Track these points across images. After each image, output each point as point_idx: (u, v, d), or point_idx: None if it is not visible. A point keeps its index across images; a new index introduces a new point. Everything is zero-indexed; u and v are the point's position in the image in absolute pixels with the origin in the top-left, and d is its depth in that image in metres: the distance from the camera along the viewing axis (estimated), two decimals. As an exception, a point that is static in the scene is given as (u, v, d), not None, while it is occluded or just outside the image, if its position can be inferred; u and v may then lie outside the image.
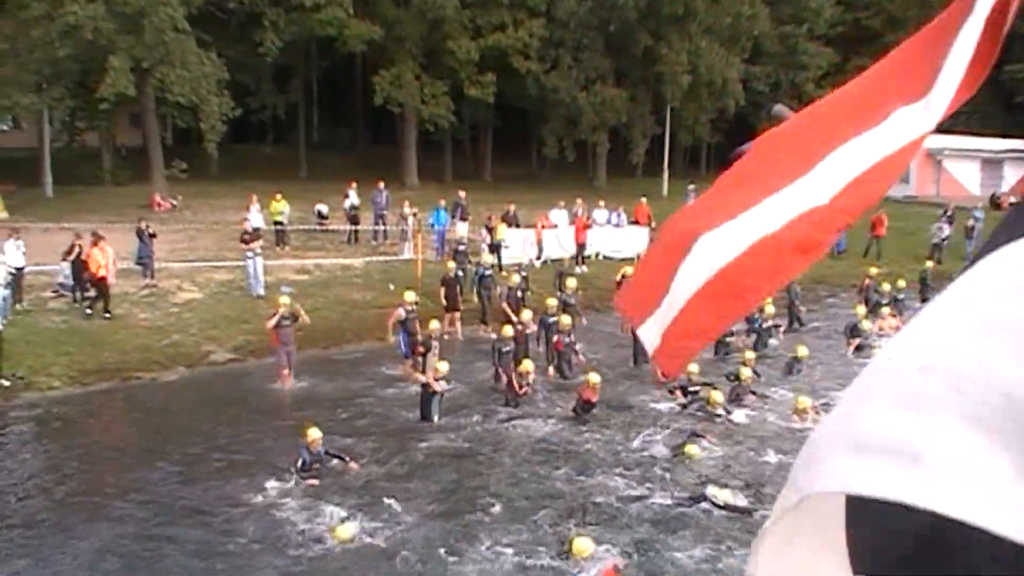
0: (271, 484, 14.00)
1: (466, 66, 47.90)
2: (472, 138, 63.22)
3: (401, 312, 20.40)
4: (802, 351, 21.29)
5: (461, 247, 28.09)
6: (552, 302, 22.19)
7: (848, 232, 36.31)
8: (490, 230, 30.42)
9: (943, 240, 35.76)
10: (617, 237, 34.03)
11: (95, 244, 23.21)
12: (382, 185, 34.52)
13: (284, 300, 19.63)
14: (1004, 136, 55.95)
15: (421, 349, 19.54)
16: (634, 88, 53.82)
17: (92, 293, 23.34)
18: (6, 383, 19.04)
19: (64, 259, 24.05)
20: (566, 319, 20.92)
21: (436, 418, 17.12)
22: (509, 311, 22.64)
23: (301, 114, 56.14)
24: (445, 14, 45.36)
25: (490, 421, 17.57)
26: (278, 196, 32.15)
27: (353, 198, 33.96)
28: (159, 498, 13.68)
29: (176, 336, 22.47)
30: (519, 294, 23.47)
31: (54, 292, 24.14)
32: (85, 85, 36.45)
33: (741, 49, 56.62)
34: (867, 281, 28.51)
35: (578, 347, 21.11)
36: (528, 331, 20.68)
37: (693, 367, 18.66)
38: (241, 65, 44.51)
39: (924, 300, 25.47)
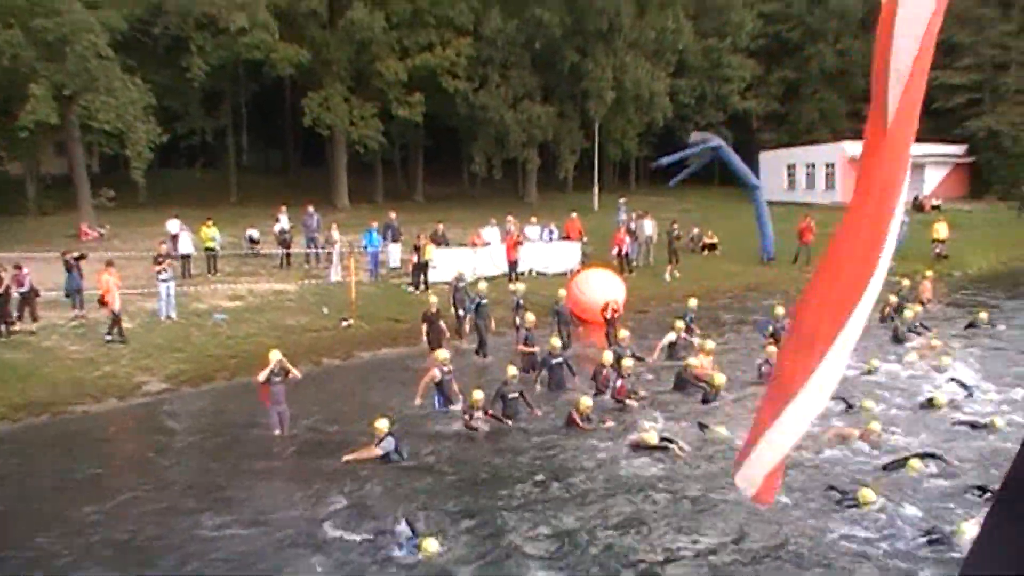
0: (212, 517, 13.75)
1: (394, 87, 47.95)
2: (403, 158, 63.36)
3: (436, 373, 18.96)
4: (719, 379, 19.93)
5: (461, 284, 26.56)
6: (556, 342, 21.36)
7: (777, 239, 37.19)
8: (417, 249, 30.46)
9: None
10: (549, 253, 34.25)
11: (105, 270, 23.69)
12: (311, 208, 34.48)
13: (275, 355, 18.09)
14: (924, 141, 57.23)
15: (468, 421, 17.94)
16: (561, 104, 54.36)
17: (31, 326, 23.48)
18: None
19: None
20: (628, 362, 19.93)
21: (404, 457, 16.13)
22: (527, 349, 22.41)
23: (230, 138, 55.96)
24: (372, 36, 45.48)
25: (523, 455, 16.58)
26: (209, 222, 31.99)
27: (284, 222, 33.93)
28: (101, 534, 13.44)
29: (107, 367, 22.19)
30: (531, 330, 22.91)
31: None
32: (7, 112, 35.87)
33: (666, 63, 57.46)
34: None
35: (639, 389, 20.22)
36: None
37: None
38: (168, 90, 44.16)
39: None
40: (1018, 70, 60.79)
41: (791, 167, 63.50)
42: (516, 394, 18.61)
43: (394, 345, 25.78)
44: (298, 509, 13.96)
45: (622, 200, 42.38)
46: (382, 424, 16.07)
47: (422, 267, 30.38)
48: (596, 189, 55.19)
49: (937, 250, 38.03)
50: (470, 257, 31.42)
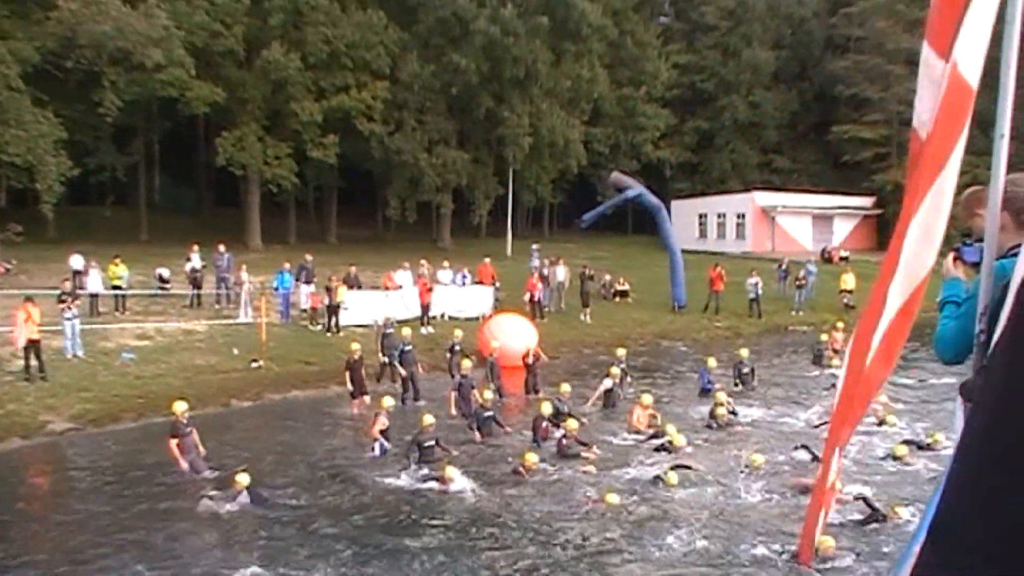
0: (118, 560, 13.54)
1: (309, 128, 47.79)
2: (316, 200, 63.10)
3: (384, 421, 19.23)
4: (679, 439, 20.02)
5: (389, 331, 26.22)
6: (488, 395, 21.59)
7: (688, 288, 37.88)
8: (329, 291, 30.42)
9: (758, 295, 37.45)
10: (461, 297, 34.40)
11: (23, 306, 23.52)
12: (222, 248, 34.22)
13: (180, 406, 17.97)
14: (833, 193, 58.83)
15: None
16: (477, 150, 54.71)
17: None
18: None
19: None
20: (572, 423, 19.82)
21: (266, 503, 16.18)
22: (454, 404, 22.39)
23: (142, 175, 55.21)
24: (288, 76, 45.35)
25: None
26: (117, 260, 31.60)
27: (195, 261, 33.62)
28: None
29: (11, 405, 21.79)
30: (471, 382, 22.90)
31: None
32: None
33: (581, 111, 58.08)
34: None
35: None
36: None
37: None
38: (80, 125, 43.45)
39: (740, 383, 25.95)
40: (923, 126, 62.77)
41: (703, 216, 64.72)
42: (432, 442, 18.66)
43: (304, 387, 25.75)
44: (208, 553, 13.86)
45: (535, 246, 42.82)
46: (241, 478, 16.07)
47: (333, 309, 30.35)
48: (510, 235, 55.56)
49: (845, 300, 39.12)
50: (382, 300, 31.41)
